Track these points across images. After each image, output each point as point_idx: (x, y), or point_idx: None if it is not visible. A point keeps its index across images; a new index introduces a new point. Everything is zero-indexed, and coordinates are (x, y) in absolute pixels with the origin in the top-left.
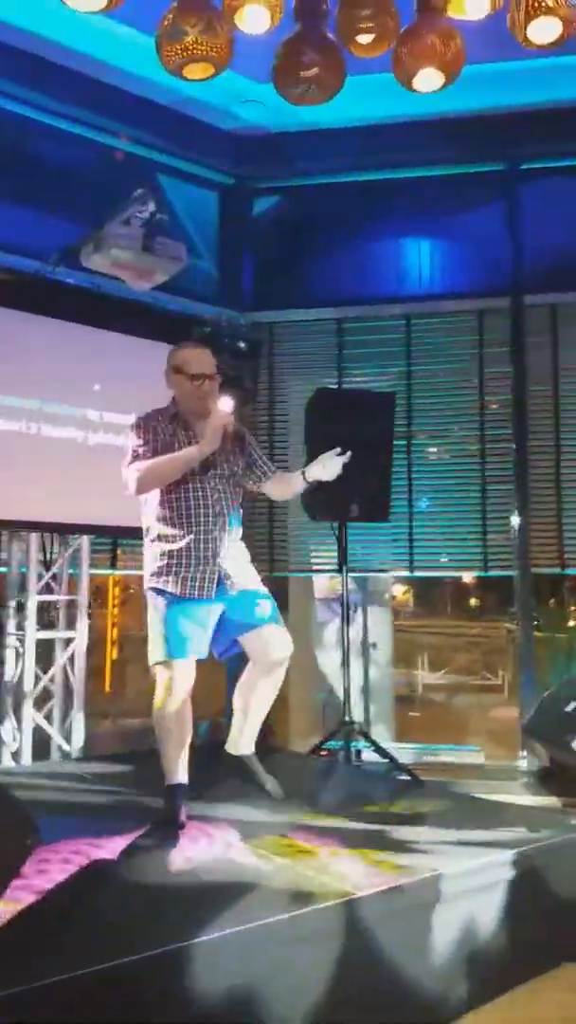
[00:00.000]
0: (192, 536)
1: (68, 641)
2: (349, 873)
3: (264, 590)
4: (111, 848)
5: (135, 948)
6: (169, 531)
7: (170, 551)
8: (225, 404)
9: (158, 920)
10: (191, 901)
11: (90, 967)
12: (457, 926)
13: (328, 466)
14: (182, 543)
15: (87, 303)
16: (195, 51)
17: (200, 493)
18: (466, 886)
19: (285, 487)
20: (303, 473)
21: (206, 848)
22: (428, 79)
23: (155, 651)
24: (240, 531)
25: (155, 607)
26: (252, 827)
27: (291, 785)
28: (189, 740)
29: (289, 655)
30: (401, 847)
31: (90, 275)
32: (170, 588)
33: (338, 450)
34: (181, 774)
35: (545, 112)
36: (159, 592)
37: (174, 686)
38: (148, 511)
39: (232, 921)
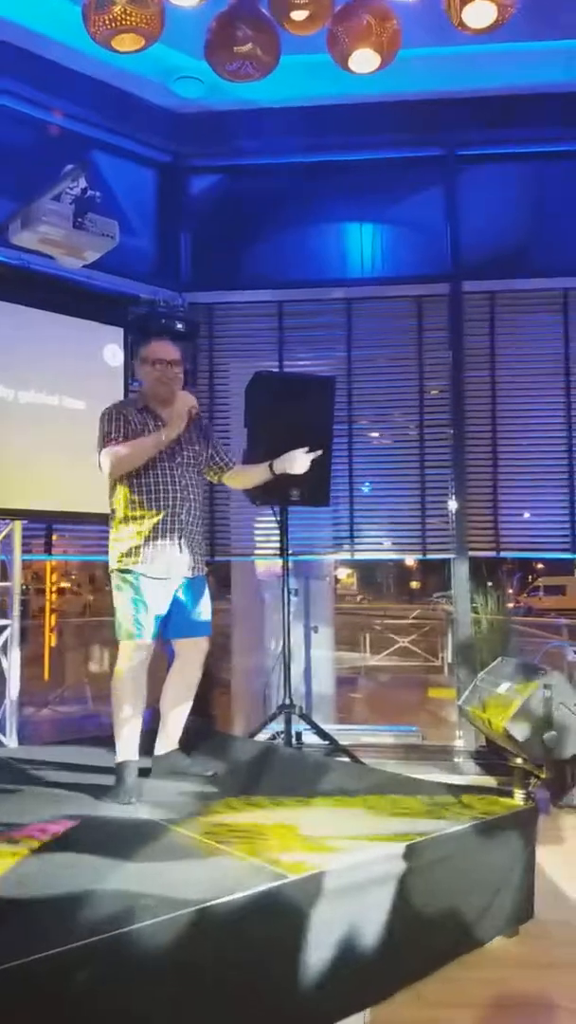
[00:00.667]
0: (161, 517)
1: (1, 629)
2: (276, 858)
3: (207, 591)
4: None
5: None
6: (139, 512)
7: (139, 532)
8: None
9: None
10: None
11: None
12: (380, 908)
13: (298, 462)
14: (151, 523)
15: (16, 281)
16: (123, 22)
17: (168, 477)
18: (387, 870)
19: (246, 478)
20: (270, 466)
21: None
22: (364, 60)
23: (123, 629)
24: (201, 520)
25: (124, 587)
26: (172, 814)
27: (222, 770)
28: (142, 717)
29: None
30: (325, 831)
31: (18, 252)
32: (139, 568)
33: (307, 448)
34: (132, 750)
35: (481, 98)
36: (127, 572)
37: (136, 664)
38: (117, 494)
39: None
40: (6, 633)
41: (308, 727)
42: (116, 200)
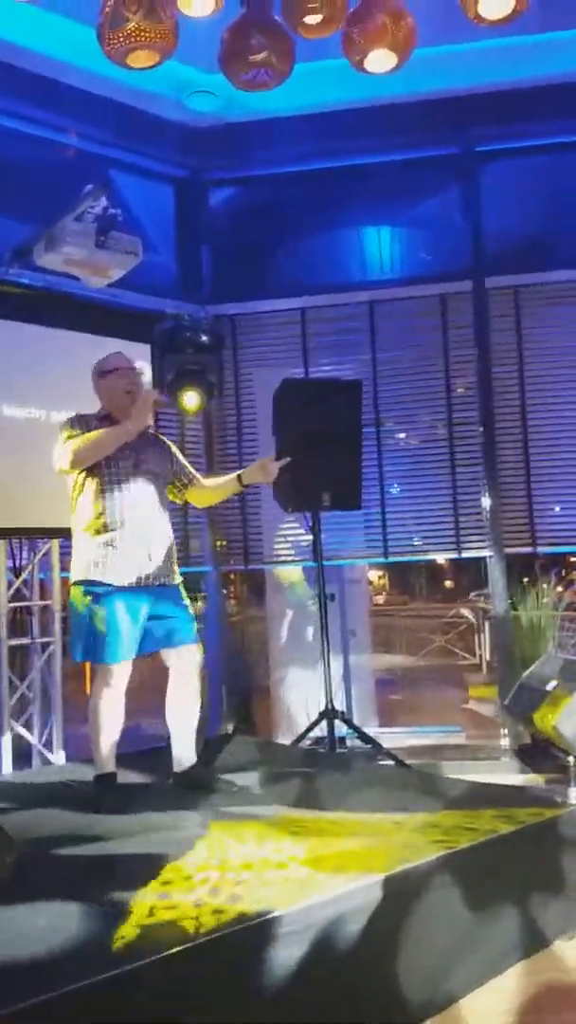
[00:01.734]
0: (128, 527)
1: (44, 647)
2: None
3: (186, 599)
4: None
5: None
6: (105, 521)
7: (106, 541)
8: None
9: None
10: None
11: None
12: (442, 911)
13: (267, 471)
14: (118, 533)
15: (43, 304)
16: (138, 38)
17: (134, 487)
18: (442, 878)
19: (211, 493)
20: (239, 477)
21: None
22: (380, 60)
23: (95, 652)
24: (170, 529)
25: (88, 603)
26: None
27: (271, 780)
28: (119, 732)
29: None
30: (387, 837)
31: (44, 274)
32: (107, 579)
33: (273, 456)
34: (111, 764)
35: (499, 93)
36: (94, 584)
37: (114, 684)
38: (82, 503)
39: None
40: (48, 650)
41: (351, 731)
42: (136, 218)
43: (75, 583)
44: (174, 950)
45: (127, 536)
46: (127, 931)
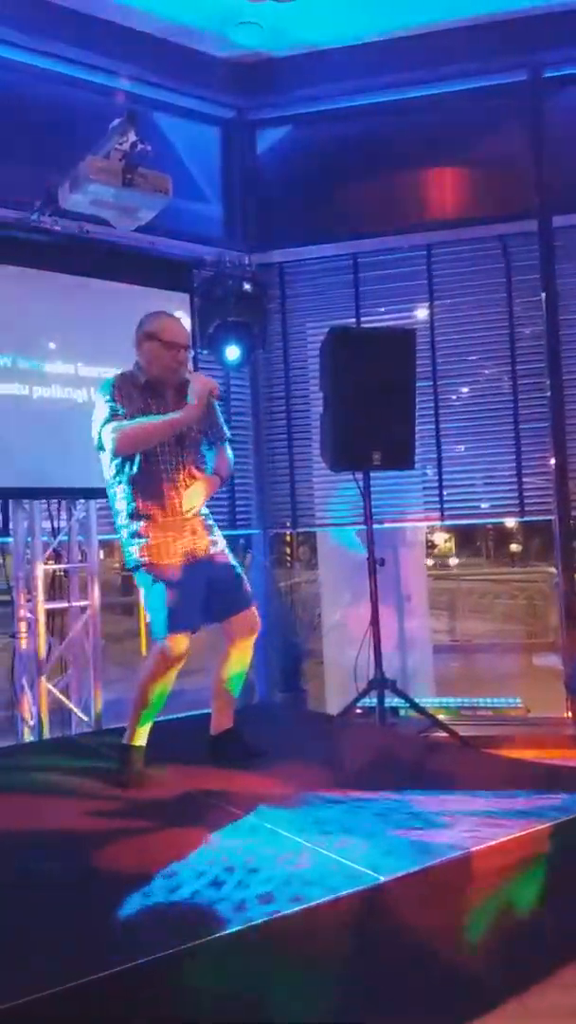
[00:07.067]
0: (166, 507)
1: (82, 610)
2: (369, 854)
3: (235, 563)
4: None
5: (133, 953)
6: (142, 504)
7: (146, 525)
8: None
9: (154, 922)
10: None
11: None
12: (489, 907)
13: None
14: (156, 515)
15: (73, 251)
16: None
17: (174, 463)
18: (498, 863)
19: (219, 463)
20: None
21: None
22: None
23: (155, 625)
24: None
25: (147, 584)
26: (255, 799)
27: (311, 751)
28: (162, 708)
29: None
30: (426, 821)
31: (76, 221)
32: (155, 559)
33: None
34: (143, 737)
35: (570, 11)
36: (148, 567)
37: (169, 659)
38: (121, 488)
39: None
40: (86, 614)
41: (403, 702)
42: (180, 161)
43: (131, 567)
44: (185, 946)
45: (166, 517)
46: (134, 924)
